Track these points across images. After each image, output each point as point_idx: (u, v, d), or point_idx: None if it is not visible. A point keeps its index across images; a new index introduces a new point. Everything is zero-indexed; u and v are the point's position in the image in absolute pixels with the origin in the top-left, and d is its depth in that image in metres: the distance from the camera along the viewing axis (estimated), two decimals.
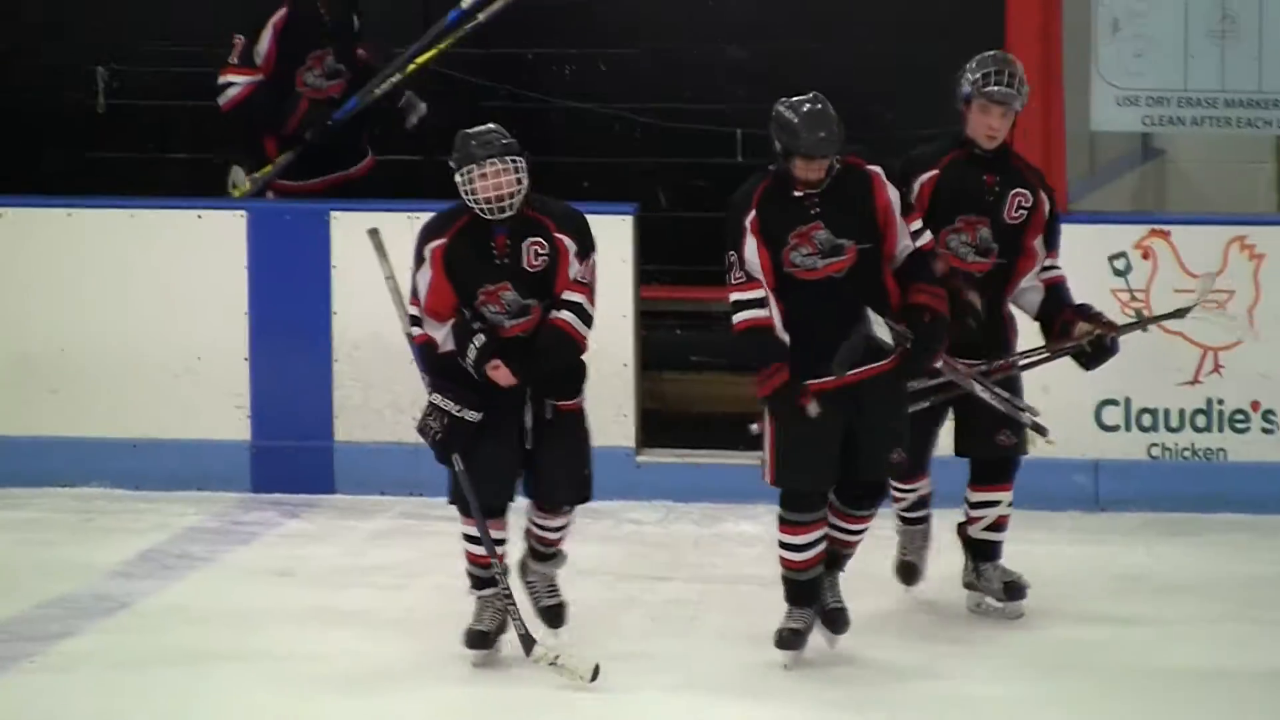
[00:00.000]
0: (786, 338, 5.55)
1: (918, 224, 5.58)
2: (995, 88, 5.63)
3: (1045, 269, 5.75)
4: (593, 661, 5.27)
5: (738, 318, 5.53)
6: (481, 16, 7.63)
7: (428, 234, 5.50)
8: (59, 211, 7.66)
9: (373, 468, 7.22)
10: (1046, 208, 5.63)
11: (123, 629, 6.07)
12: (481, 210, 5.25)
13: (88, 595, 6.36)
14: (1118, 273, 6.68)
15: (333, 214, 7.34)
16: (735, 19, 8.19)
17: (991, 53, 5.75)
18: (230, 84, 7.51)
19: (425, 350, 5.64)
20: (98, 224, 7.66)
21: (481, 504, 5.56)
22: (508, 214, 5.35)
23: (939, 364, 5.68)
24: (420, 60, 7.70)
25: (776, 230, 5.52)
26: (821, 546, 5.58)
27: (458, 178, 5.31)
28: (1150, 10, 6.85)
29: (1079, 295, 5.77)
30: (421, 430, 5.55)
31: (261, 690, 5.44)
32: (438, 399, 5.55)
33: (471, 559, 5.64)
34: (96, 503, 7.64)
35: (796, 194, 5.48)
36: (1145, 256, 6.72)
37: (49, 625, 6.14)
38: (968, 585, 5.97)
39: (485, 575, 5.61)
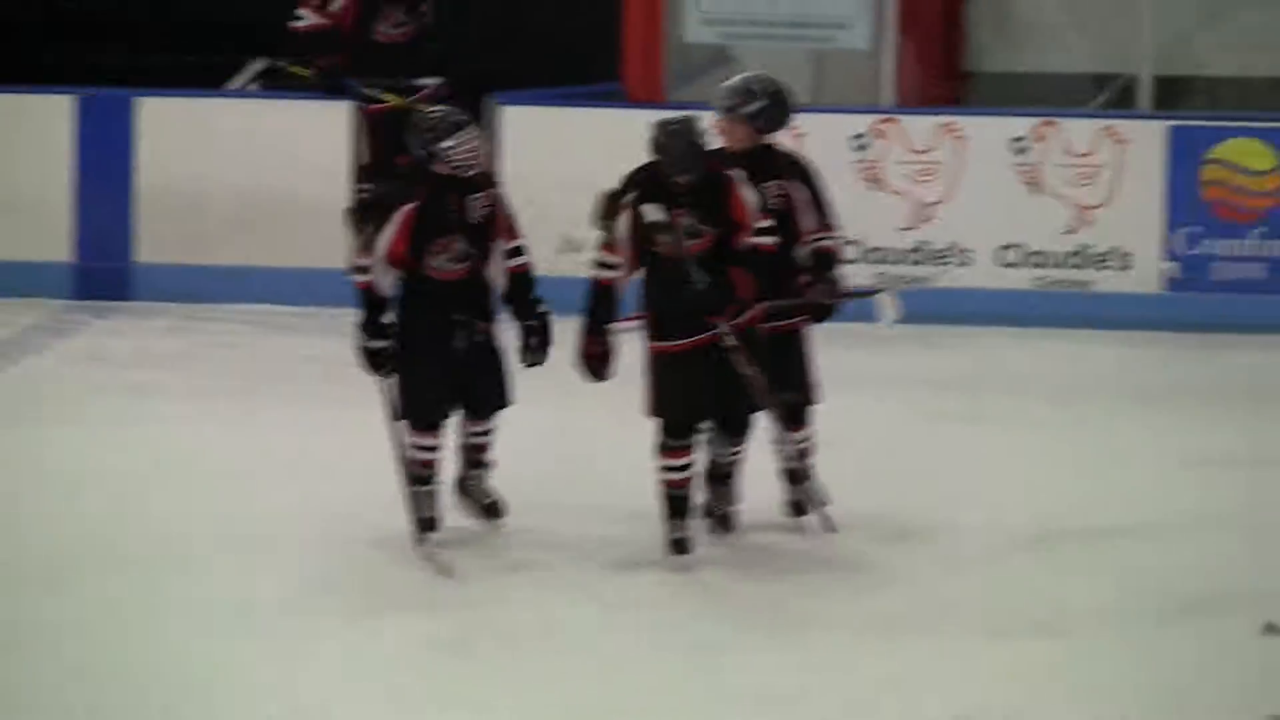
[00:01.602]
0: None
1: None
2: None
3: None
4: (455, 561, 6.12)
5: (596, 274, 6.24)
6: None
7: (403, 200, 6.40)
8: None
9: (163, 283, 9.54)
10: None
11: None
12: (457, 170, 6.18)
13: None
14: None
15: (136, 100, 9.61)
16: None
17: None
18: (302, 17, 9.22)
19: (365, 293, 6.37)
20: None
21: (423, 417, 6.32)
22: (472, 173, 6.31)
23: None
24: None
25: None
26: (693, 469, 6.24)
27: (446, 142, 6.20)
28: None
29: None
30: (359, 356, 6.38)
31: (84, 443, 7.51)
32: (361, 336, 6.38)
33: (412, 463, 6.36)
34: None
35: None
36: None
37: None
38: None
39: (424, 475, 6.37)
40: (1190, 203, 8.81)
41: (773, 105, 6.31)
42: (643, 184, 6.19)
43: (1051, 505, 6.44)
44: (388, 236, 6.27)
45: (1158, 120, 9.02)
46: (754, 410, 6.25)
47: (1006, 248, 8.92)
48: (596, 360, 6.13)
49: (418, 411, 6.34)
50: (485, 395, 6.35)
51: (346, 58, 9.51)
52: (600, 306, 6.11)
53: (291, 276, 9.46)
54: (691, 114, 6.02)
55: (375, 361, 6.32)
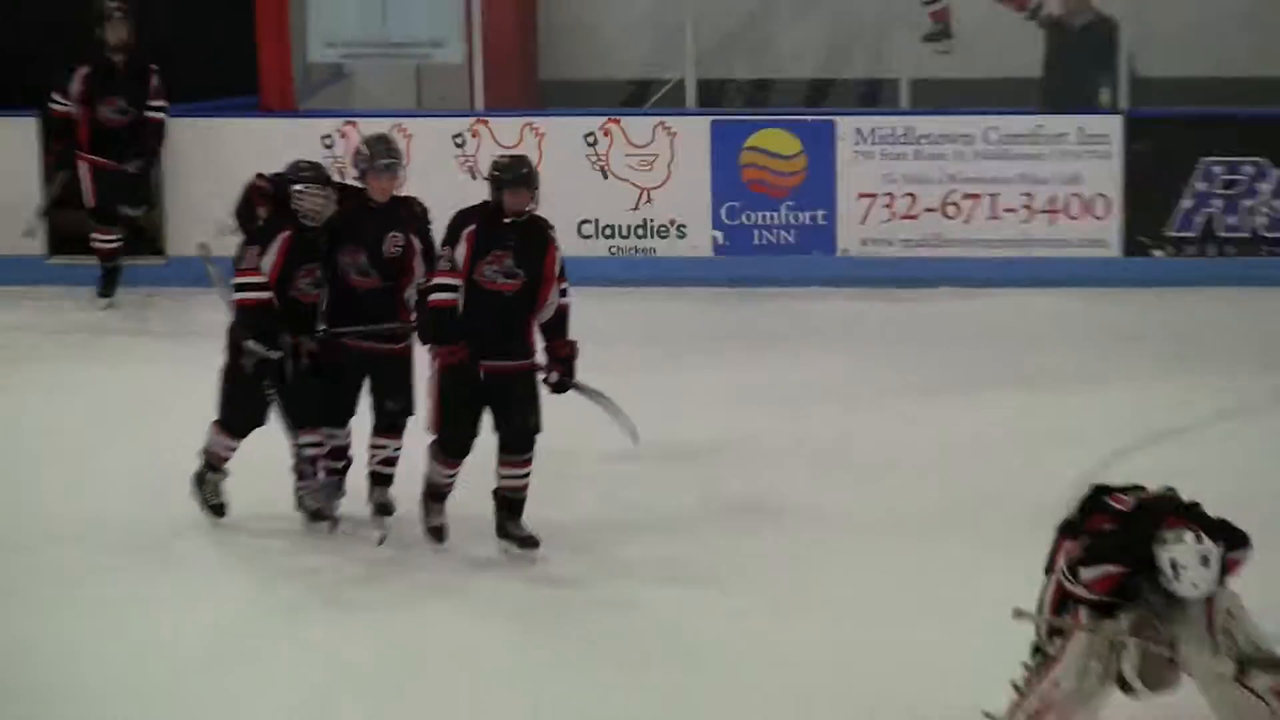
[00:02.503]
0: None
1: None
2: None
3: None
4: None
5: (434, 296, 6.94)
6: None
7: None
8: None
9: None
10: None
11: None
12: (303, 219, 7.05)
13: None
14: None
15: None
16: None
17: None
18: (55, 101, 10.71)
19: (252, 311, 7.08)
20: None
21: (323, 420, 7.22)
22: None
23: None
24: None
25: (482, 247, 6.95)
26: (456, 474, 7.12)
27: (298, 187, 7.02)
28: None
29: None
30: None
31: None
32: (253, 345, 7.03)
33: (308, 460, 7.20)
34: None
35: (505, 221, 6.92)
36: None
37: None
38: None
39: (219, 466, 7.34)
40: (731, 182, 10.76)
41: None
42: (479, 221, 6.93)
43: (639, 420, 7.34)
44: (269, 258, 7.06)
45: (702, 116, 10.99)
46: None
47: (584, 223, 10.77)
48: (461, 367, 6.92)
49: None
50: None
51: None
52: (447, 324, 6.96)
53: None
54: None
55: (265, 374, 7.10)
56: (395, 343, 7.33)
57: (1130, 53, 11.08)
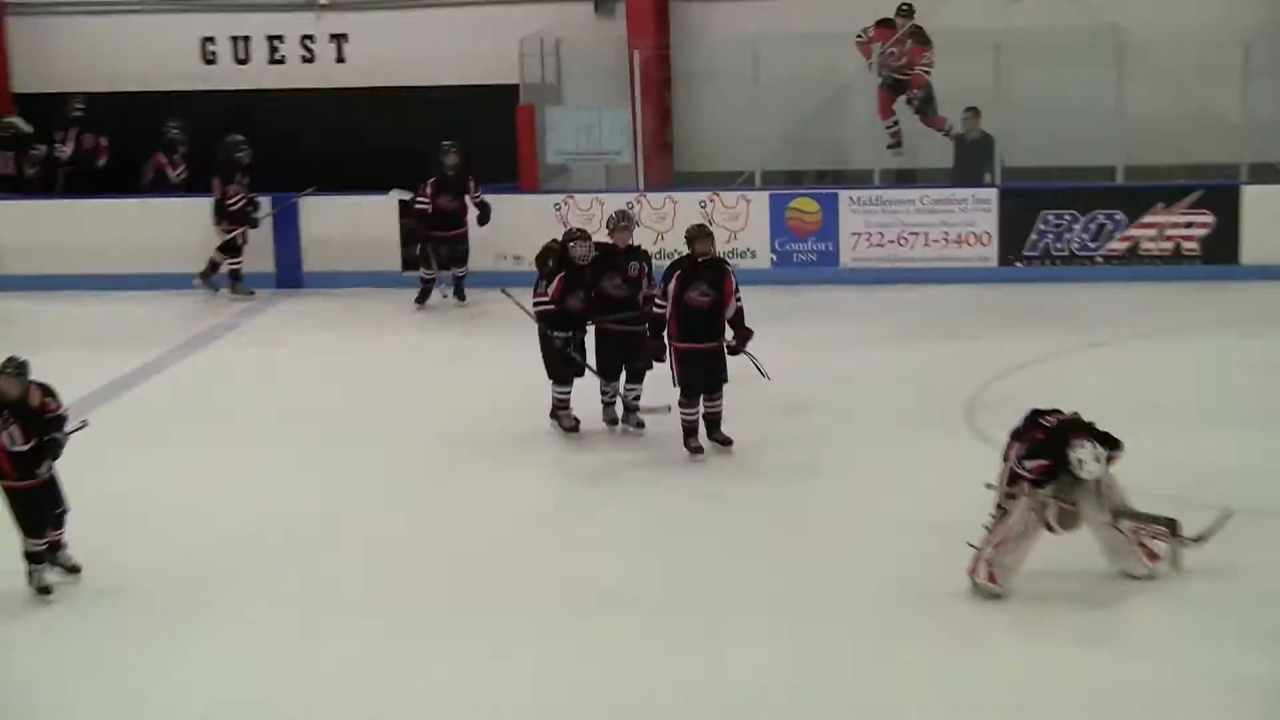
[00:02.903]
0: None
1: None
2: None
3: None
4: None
5: (654, 310, 11.77)
6: None
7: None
8: None
9: None
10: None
11: None
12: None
13: None
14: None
15: None
16: None
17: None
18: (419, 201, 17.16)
19: (546, 316, 12.27)
20: None
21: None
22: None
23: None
24: None
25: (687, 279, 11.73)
26: (698, 414, 11.86)
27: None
28: None
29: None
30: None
31: None
32: (553, 334, 12.19)
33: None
34: None
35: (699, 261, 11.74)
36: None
37: None
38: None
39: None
40: (780, 227, 17.66)
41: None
42: (683, 266, 11.78)
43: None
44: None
45: (764, 191, 17.88)
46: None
47: None
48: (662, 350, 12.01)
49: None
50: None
51: None
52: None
53: None
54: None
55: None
56: (638, 325, 12.21)
57: (1001, 153, 17.75)
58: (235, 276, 17.66)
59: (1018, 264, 17.62)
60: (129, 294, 17.89)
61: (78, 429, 10.18)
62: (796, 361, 13.94)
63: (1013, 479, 9.45)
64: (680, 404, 12.08)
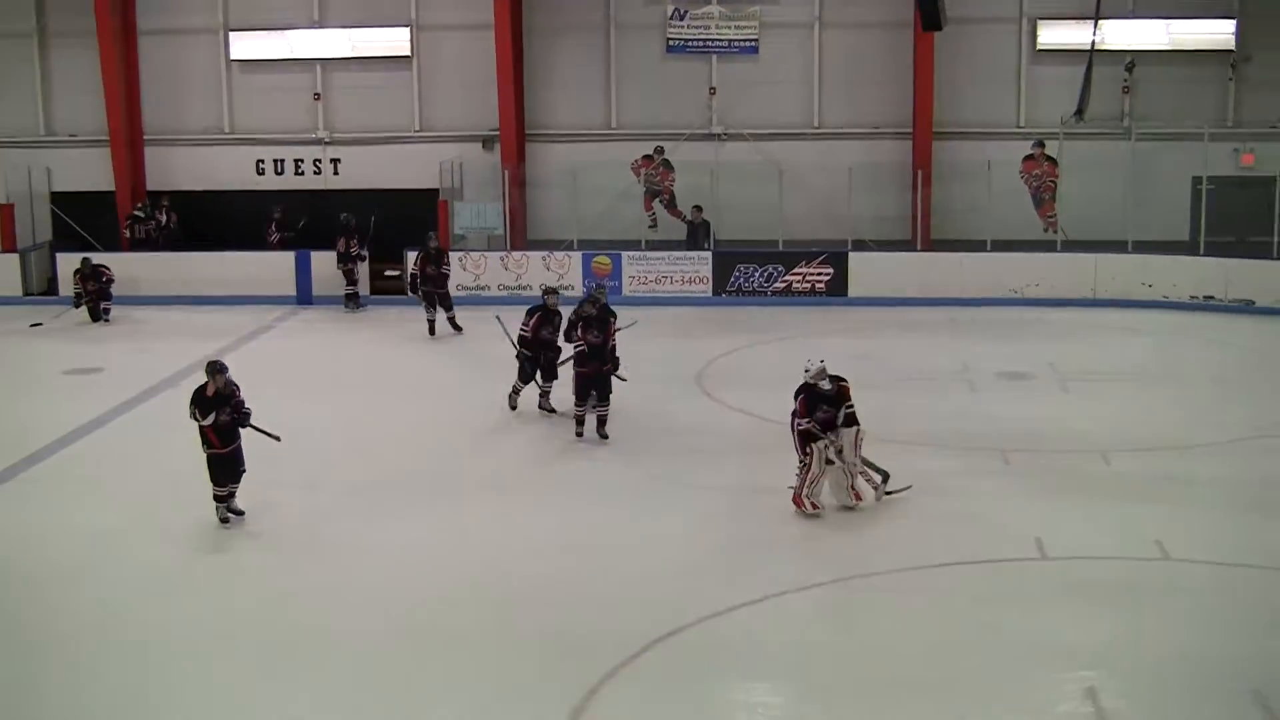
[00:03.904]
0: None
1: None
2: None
3: None
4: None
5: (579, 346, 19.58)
6: None
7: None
8: None
9: None
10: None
11: None
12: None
13: None
14: None
15: None
16: None
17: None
18: None
19: (524, 341, 20.44)
20: None
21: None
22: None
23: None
24: None
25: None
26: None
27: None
28: None
29: None
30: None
31: None
32: (523, 353, 20.50)
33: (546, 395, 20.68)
34: None
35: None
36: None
37: None
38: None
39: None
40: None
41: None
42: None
43: None
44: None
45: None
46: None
47: None
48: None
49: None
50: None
51: None
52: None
53: None
54: None
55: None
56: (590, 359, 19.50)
57: (714, 231, 29.66)
58: (350, 299, 29.15)
59: (723, 295, 29.25)
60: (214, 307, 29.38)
61: (266, 433, 16.73)
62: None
63: (804, 441, 16.39)
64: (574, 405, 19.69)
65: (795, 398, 16.43)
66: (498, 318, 20.90)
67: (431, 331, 26.64)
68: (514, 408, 20.86)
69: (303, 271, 29.95)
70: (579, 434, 19.65)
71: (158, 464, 19.02)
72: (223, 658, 13.40)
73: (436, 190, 30.79)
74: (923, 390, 21.55)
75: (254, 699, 12.66)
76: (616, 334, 19.74)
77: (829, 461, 16.20)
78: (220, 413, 16.35)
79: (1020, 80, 31.60)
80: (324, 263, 29.85)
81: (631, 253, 29.80)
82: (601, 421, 19.58)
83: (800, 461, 16.24)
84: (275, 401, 15.87)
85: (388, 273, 30.23)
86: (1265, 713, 11.93)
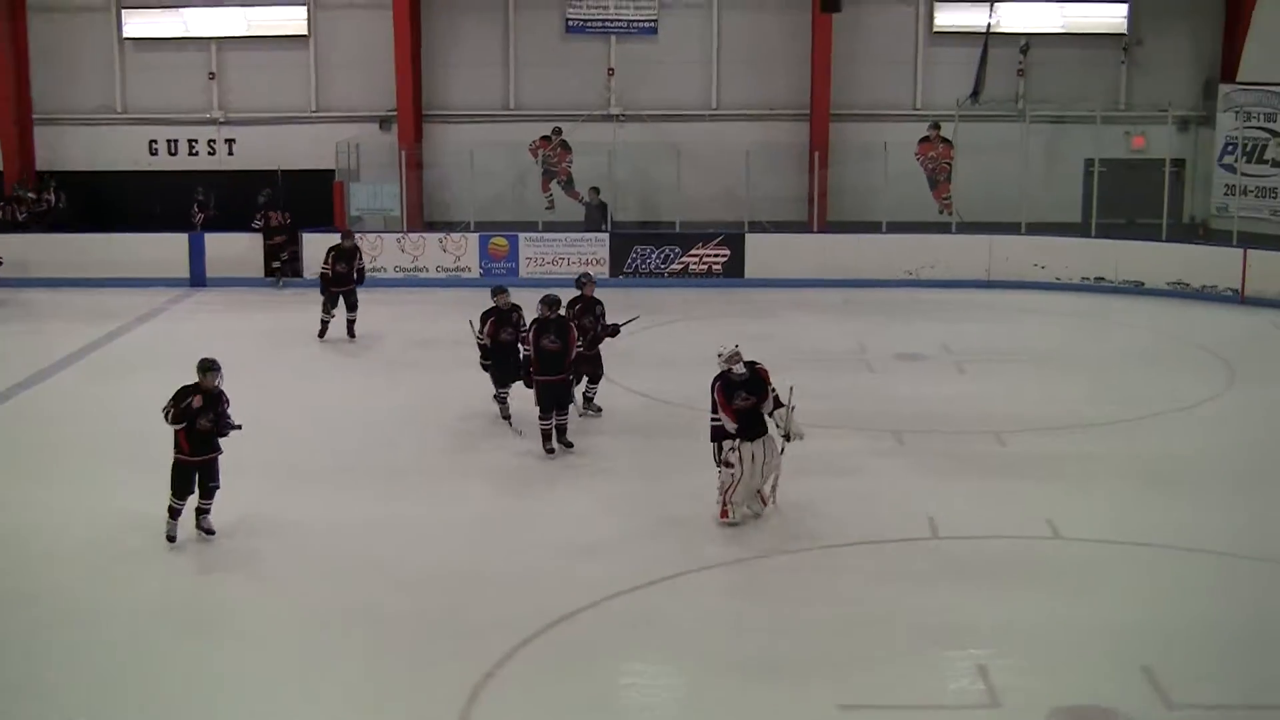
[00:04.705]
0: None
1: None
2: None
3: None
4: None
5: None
6: None
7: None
8: None
9: None
10: None
11: None
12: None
13: None
14: None
15: None
16: None
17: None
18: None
19: (484, 348, 19.24)
20: None
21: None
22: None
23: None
24: None
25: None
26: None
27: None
28: None
29: None
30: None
31: None
32: (484, 358, 19.27)
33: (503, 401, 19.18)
34: None
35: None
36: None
37: None
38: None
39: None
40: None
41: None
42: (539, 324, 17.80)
43: None
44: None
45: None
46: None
47: None
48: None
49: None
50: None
51: None
52: None
53: None
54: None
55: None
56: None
57: (611, 213, 29.90)
58: (278, 272, 29.03)
59: (620, 276, 29.29)
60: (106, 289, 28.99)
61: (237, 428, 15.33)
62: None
63: (717, 437, 15.72)
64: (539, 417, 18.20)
65: (711, 389, 15.70)
66: (471, 321, 19.90)
67: (321, 334, 24.95)
68: (507, 417, 19.40)
69: (196, 254, 29.68)
70: (549, 450, 18.25)
71: (48, 448, 18.88)
72: (112, 644, 13.27)
73: (333, 171, 30.67)
74: (819, 371, 21.62)
75: (126, 683, 12.58)
76: (620, 330, 19.67)
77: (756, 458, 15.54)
78: (201, 417, 15.02)
79: (917, 62, 32.10)
80: (219, 244, 29.66)
81: (529, 234, 29.87)
82: (561, 430, 18.39)
83: (719, 470, 15.69)
84: (167, 385, 15.60)
85: (281, 254, 29.93)
86: (1154, 687, 12.10)
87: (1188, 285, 28.34)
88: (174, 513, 14.99)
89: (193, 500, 15.23)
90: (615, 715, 12.27)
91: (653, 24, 31.93)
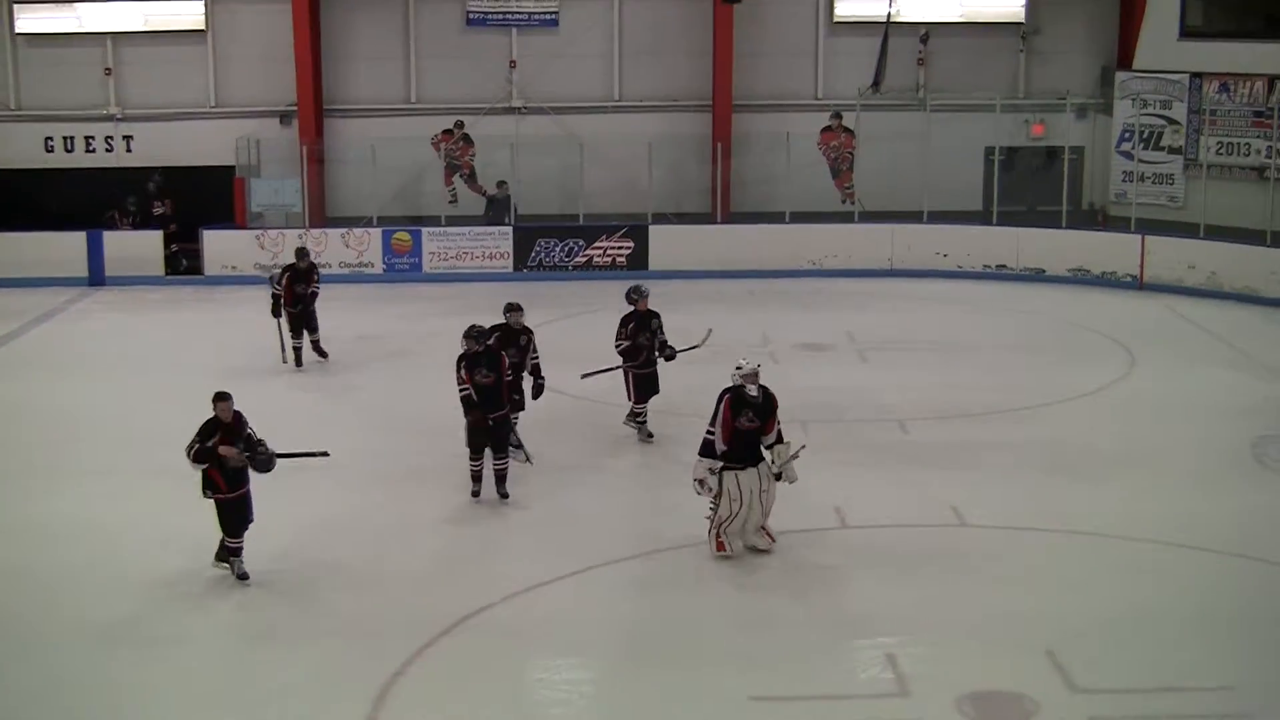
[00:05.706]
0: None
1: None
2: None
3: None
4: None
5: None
6: None
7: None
8: None
9: None
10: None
11: None
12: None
13: None
14: None
15: None
16: None
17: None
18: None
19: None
20: None
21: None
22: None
23: None
24: None
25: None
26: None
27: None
28: None
29: None
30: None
31: None
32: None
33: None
34: None
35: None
36: None
37: None
38: None
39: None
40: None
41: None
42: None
43: None
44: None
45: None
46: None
47: None
48: None
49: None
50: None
51: None
52: None
53: None
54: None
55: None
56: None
57: (515, 206, 29.83)
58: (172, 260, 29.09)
59: (524, 270, 29.35)
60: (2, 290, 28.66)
61: (310, 455, 14.94)
62: (401, 327, 25.13)
63: (704, 454, 14.76)
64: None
65: (718, 400, 14.88)
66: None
67: (298, 362, 22.79)
68: (519, 445, 17.44)
69: (94, 252, 29.35)
70: (475, 493, 16.74)
71: None
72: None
73: (233, 168, 30.41)
74: (722, 362, 21.53)
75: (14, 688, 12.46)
76: (691, 350, 18.95)
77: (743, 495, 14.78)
78: (228, 452, 14.21)
79: (818, 53, 32.20)
80: (118, 243, 29.40)
81: (431, 229, 29.75)
82: (500, 478, 16.70)
83: (696, 491, 14.95)
84: (66, 386, 15.46)
85: (176, 249, 29.81)
86: (1058, 670, 12.30)
87: (1088, 272, 28.71)
88: (234, 551, 14.31)
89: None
90: (526, 712, 12.24)
91: (554, 16, 31.84)
